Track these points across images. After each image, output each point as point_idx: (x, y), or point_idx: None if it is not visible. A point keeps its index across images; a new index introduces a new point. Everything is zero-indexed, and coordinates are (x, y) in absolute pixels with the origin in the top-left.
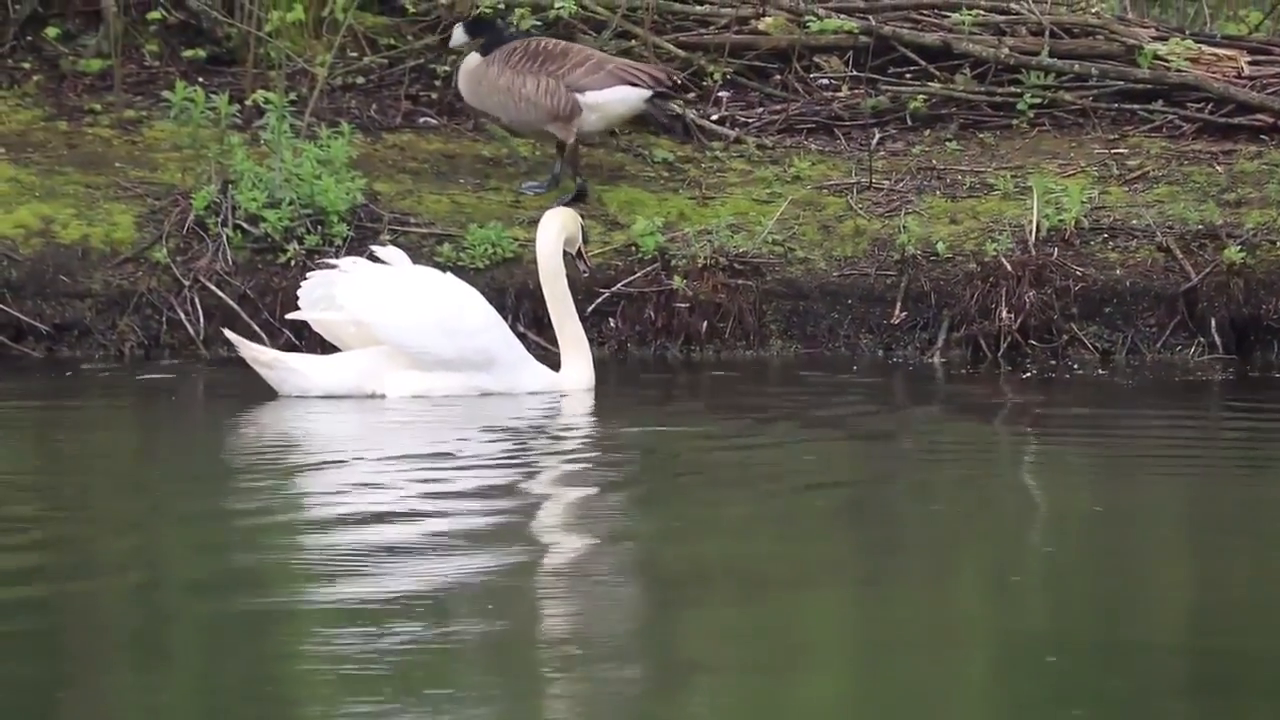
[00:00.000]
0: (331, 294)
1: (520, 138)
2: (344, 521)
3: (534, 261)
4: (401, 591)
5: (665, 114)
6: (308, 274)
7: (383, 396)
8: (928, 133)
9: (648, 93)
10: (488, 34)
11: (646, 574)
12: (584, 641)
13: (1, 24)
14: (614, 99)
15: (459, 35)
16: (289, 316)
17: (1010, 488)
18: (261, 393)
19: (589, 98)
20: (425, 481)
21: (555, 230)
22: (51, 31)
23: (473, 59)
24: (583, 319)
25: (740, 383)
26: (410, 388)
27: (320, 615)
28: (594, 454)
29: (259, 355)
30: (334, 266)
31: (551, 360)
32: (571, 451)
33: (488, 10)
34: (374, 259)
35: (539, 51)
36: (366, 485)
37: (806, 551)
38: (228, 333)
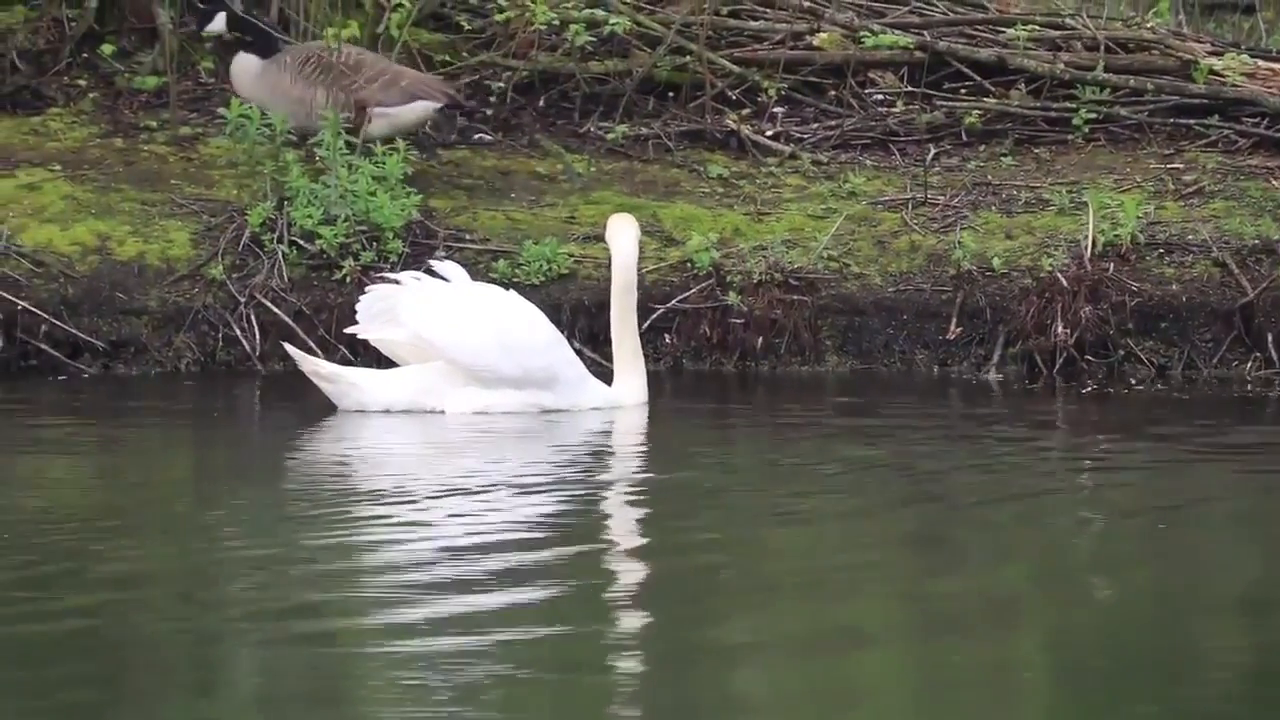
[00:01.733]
0: (391, 309)
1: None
2: (406, 542)
3: (589, 277)
4: (466, 612)
5: (454, 125)
6: (366, 289)
7: (442, 413)
8: (983, 148)
9: (439, 104)
10: (253, 34)
11: (708, 588)
12: (656, 659)
13: (57, 41)
14: (407, 112)
15: (219, 23)
16: (347, 331)
17: (1074, 501)
18: (319, 408)
19: (381, 111)
20: (486, 500)
21: (633, 239)
22: (107, 49)
23: (251, 61)
24: (639, 335)
25: (796, 398)
26: (470, 404)
27: (382, 633)
28: (652, 470)
29: (319, 369)
30: (393, 281)
31: (606, 376)
32: (631, 468)
33: (252, 15)
34: (432, 274)
35: (332, 64)
36: (428, 505)
37: (873, 567)
38: (288, 346)
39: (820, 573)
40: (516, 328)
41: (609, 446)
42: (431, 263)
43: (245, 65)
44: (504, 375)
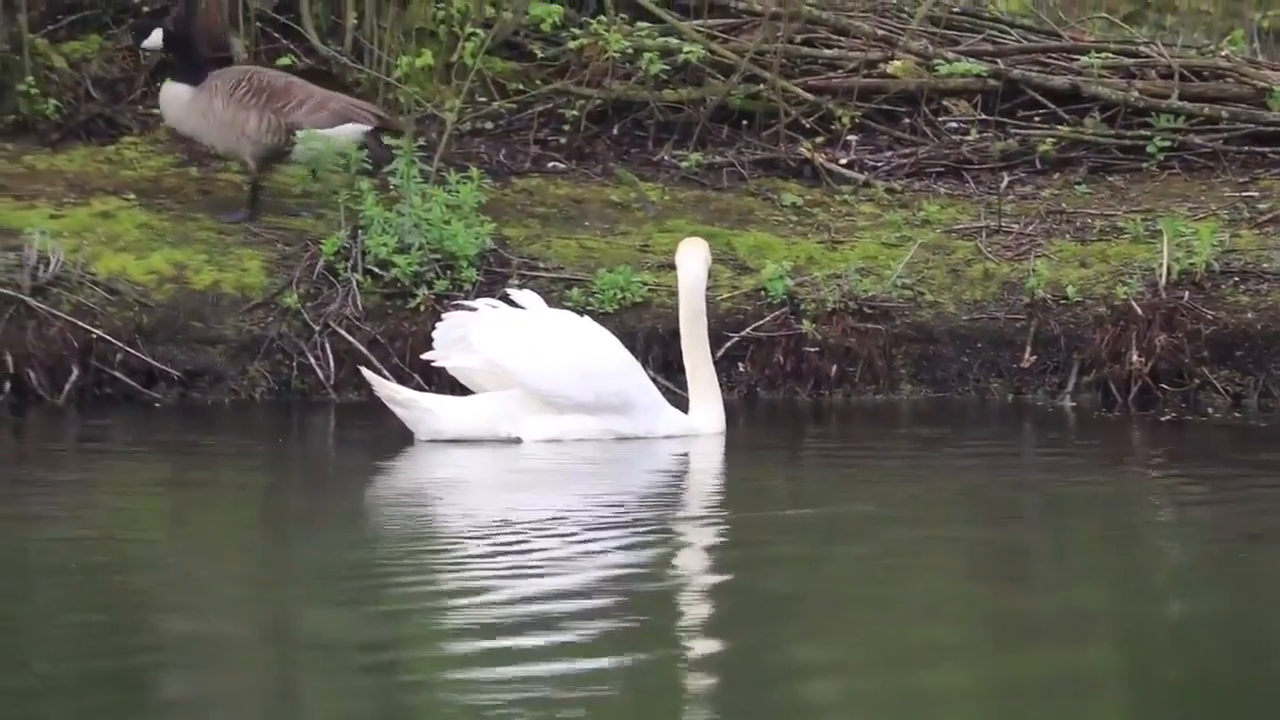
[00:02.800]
0: (466, 337)
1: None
2: (482, 573)
3: (663, 305)
4: (543, 641)
5: (383, 146)
6: (442, 316)
7: (517, 440)
8: (1057, 176)
9: (368, 127)
10: (184, 57)
11: (786, 612)
12: (734, 681)
13: (132, 70)
14: (336, 135)
15: (156, 39)
16: (423, 358)
17: (1152, 527)
18: (394, 437)
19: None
20: (562, 530)
21: (701, 263)
22: None
23: (180, 89)
24: (713, 363)
25: (870, 427)
26: (546, 431)
27: (459, 662)
28: (728, 499)
29: (395, 395)
30: (469, 308)
31: (680, 404)
32: (707, 497)
33: (183, 35)
34: (508, 301)
35: (263, 87)
36: (504, 536)
37: (949, 590)
38: (365, 371)
39: (897, 596)
40: (591, 353)
41: (685, 476)
42: (508, 290)
43: (175, 94)
44: (579, 401)
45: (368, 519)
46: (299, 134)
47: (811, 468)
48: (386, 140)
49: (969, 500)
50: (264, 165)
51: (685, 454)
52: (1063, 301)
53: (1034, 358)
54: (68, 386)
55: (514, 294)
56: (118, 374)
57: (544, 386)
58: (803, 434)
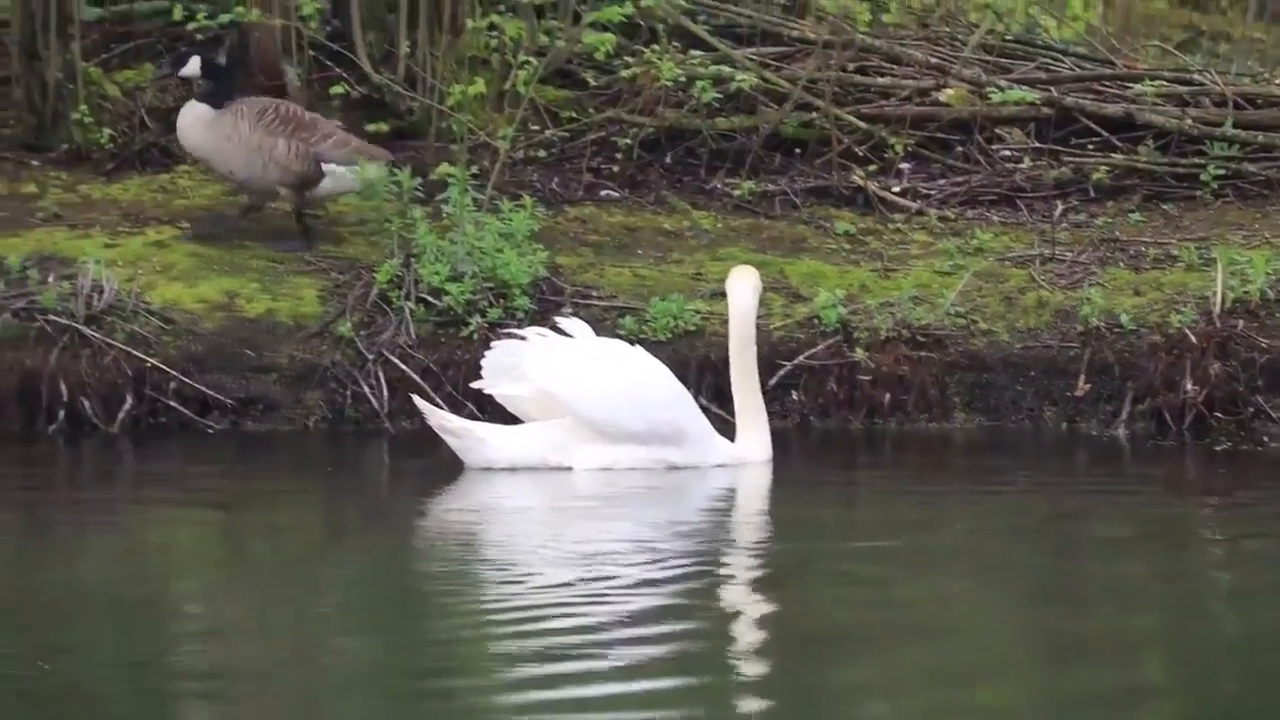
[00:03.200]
0: (516, 365)
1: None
2: (537, 604)
3: (716, 333)
4: (600, 670)
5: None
6: (492, 344)
7: (568, 469)
8: (1111, 204)
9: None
10: (220, 81)
11: (837, 637)
12: (786, 709)
13: (186, 99)
14: (354, 173)
15: (194, 66)
16: (473, 386)
17: (1206, 556)
18: (446, 466)
19: (331, 168)
20: (612, 561)
21: (751, 290)
22: None
23: (203, 109)
24: (764, 392)
25: (923, 455)
26: (596, 460)
27: (510, 689)
28: (776, 529)
29: (447, 424)
30: (519, 337)
31: (730, 432)
32: (754, 527)
33: (221, 61)
34: (558, 330)
35: (290, 117)
36: (553, 567)
37: (1001, 617)
38: (417, 400)
39: (948, 627)
40: (642, 382)
41: (734, 505)
42: (557, 319)
43: (198, 113)
44: (629, 430)
45: (420, 549)
46: (326, 167)
47: (862, 497)
48: (440, 172)
49: (1021, 530)
50: (299, 193)
51: (734, 483)
52: (1116, 330)
53: (1088, 386)
54: (121, 415)
55: (563, 322)
56: (172, 402)
57: (595, 415)
58: (855, 463)
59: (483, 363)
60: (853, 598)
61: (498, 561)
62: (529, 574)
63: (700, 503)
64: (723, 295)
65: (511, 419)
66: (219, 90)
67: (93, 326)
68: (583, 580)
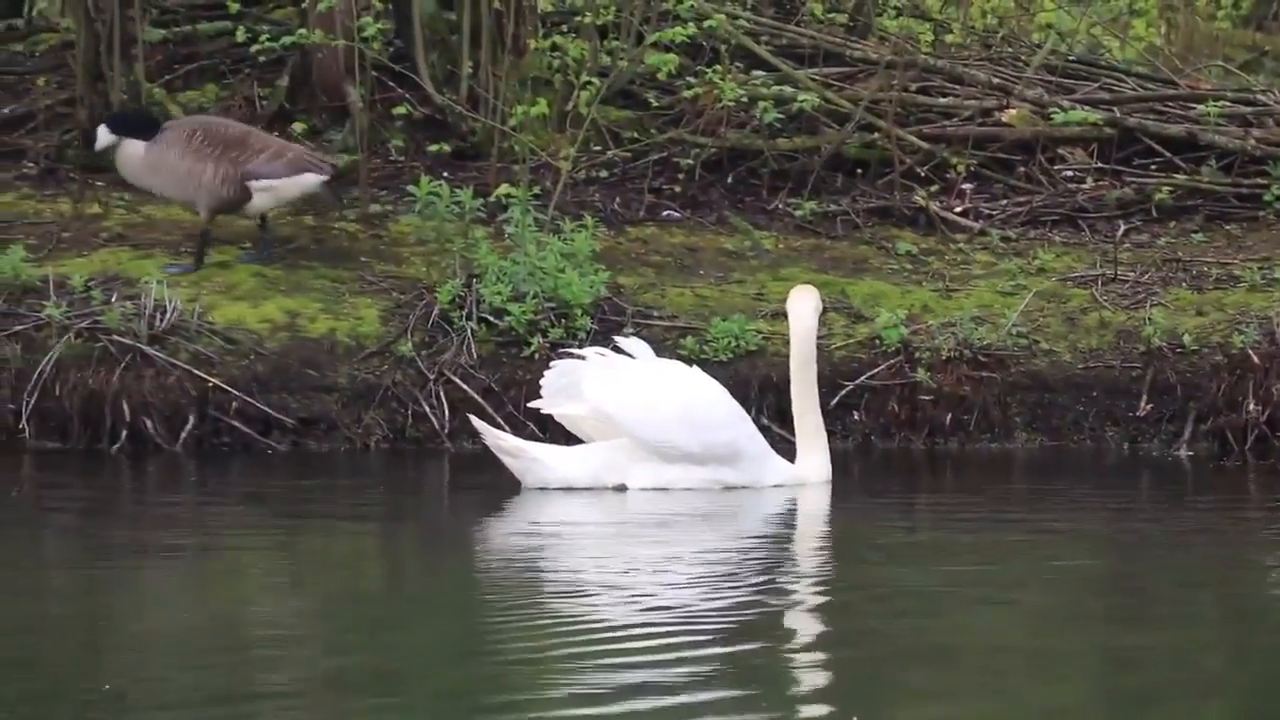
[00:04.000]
0: (574, 385)
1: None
2: (595, 625)
3: (777, 354)
4: (658, 684)
5: (338, 197)
6: (550, 364)
7: (623, 489)
8: (1173, 224)
9: (325, 177)
10: (136, 125)
11: (897, 666)
12: None
13: (249, 120)
14: (293, 185)
15: (105, 137)
16: (530, 405)
17: (1272, 579)
18: (508, 486)
19: (266, 184)
20: (669, 584)
21: (811, 310)
22: (298, 127)
23: (135, 146)
24: (826, 412)
25: (984, 476)
26: (652, 480)
27: (568, 704)
28: (834, 551)
29: (503, 443)
30: (578, 357)
31: (791, 452)
32: (812, 549)
33: (128, 108)
34: (617, 350)
35: (220, 137)
36: (610, 590)
37: (1066, 645)
38: (473, 419)
39: (1012, 651)
40: (699, 403)
41: (792, 526)
42: (618, 339)
43: (131, 151)
44: (686, 451)
45: (480, 568)
46: (258, 184)
47: (922, 518)
48: (502, 192)
49: (1081, 551)
50: (214, 216)
51: (793, 503)
52: (1179, 350)
53: (1150, 406)
54: (184, 434)
55: (622, 342)
56: (234, 422)
57: (652, 436)
58: (916, 483)
59: (541, 383)
60: (910, 622)
61: (554, 582)
62: (584, 595)
63: (757, 523)
64: (784, 315)
65: (573, 439)
66: (141, 126)
67: (156, 346)
68: (640, 599)
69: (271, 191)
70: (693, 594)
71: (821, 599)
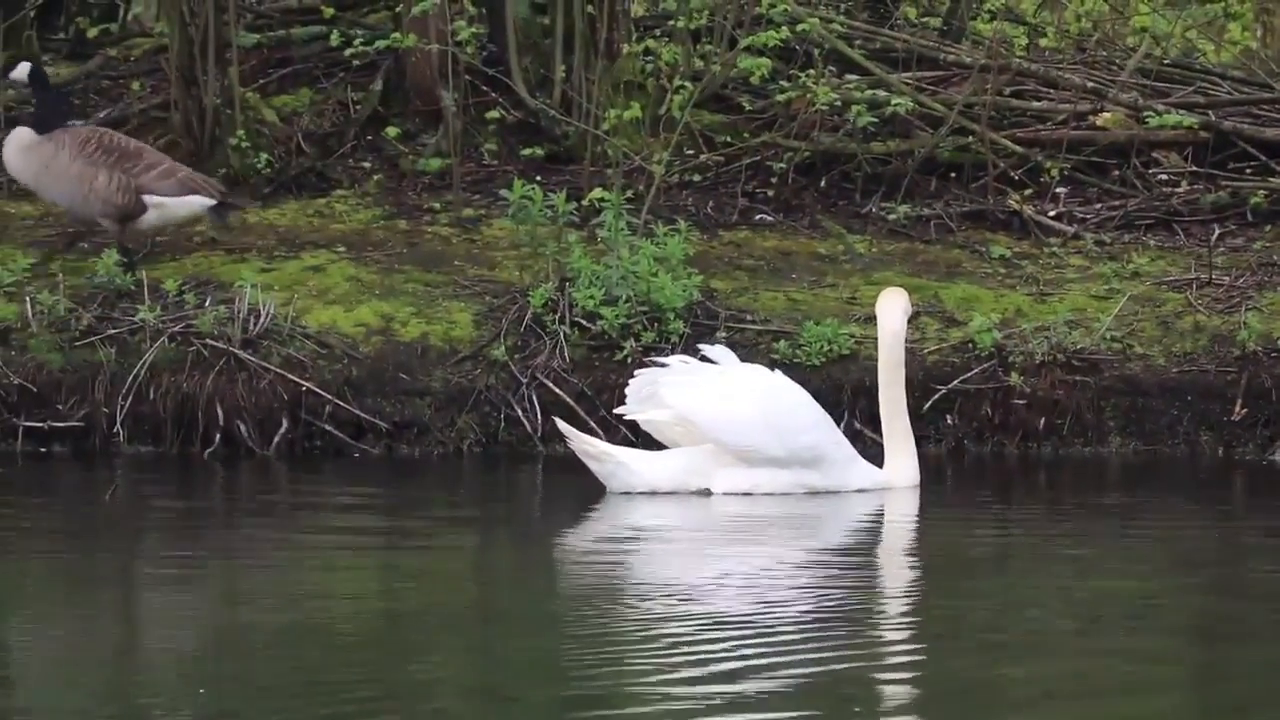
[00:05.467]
0: (656, 392)
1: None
2: (679, 632)
3: (870, 357)
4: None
5: (225, 222)
6: (634, 372)
7: (708, 493)
8: (1269, 228)
9: (212, 202)
10: (50, 106)
11: (987, 680)
12: None
13: (342, 124)
14: (181, 205)
15: (21, 71)
16: (616, 412)
17: None
18: (598, 490)
19: (157, 200)
20: (754, 590)
21: (901, 310)
22: (391, 131)
23: (26, 135)
24: (920, 416)
25: (1077, 481)
26: (737, 484)
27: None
28: (922, 558)
29: (588, 447)
30: (661, 364)
31: (879, 457)
32: (900, 556)
33: (61, 87)
34: (702, 358)
35: (114, 147)
36: (693, 598)
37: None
38: (560, 423)
39: (1103, 665)
40: (781, 407)
41: (878, 531)
42: (701, 347)
43: (19, 137)
44: (769, 455)
45: (568, 573)
46: (150, 199)
47: (1013, 525)
48: (595, 196)
49: (1173, 560)
50: (121, 226)
51: (881, 508)
52: (1274, 354)
53: (1244, 411)
54: (277, 439)
55: (706, 349)
56: (327, 426)
57: (733, 440)
58: (1008, 488)
59: (626, 390)
60: (998, 641)
61: (639, 588)
62: (669, 600)
63: (842, 529)
64: (875, 319)
65: (660, 445)
66: (48, 115)
67: (249, 350)
68: (725, 605)
69: (161, 210)
70: (779, 603)
71: (902, 604)
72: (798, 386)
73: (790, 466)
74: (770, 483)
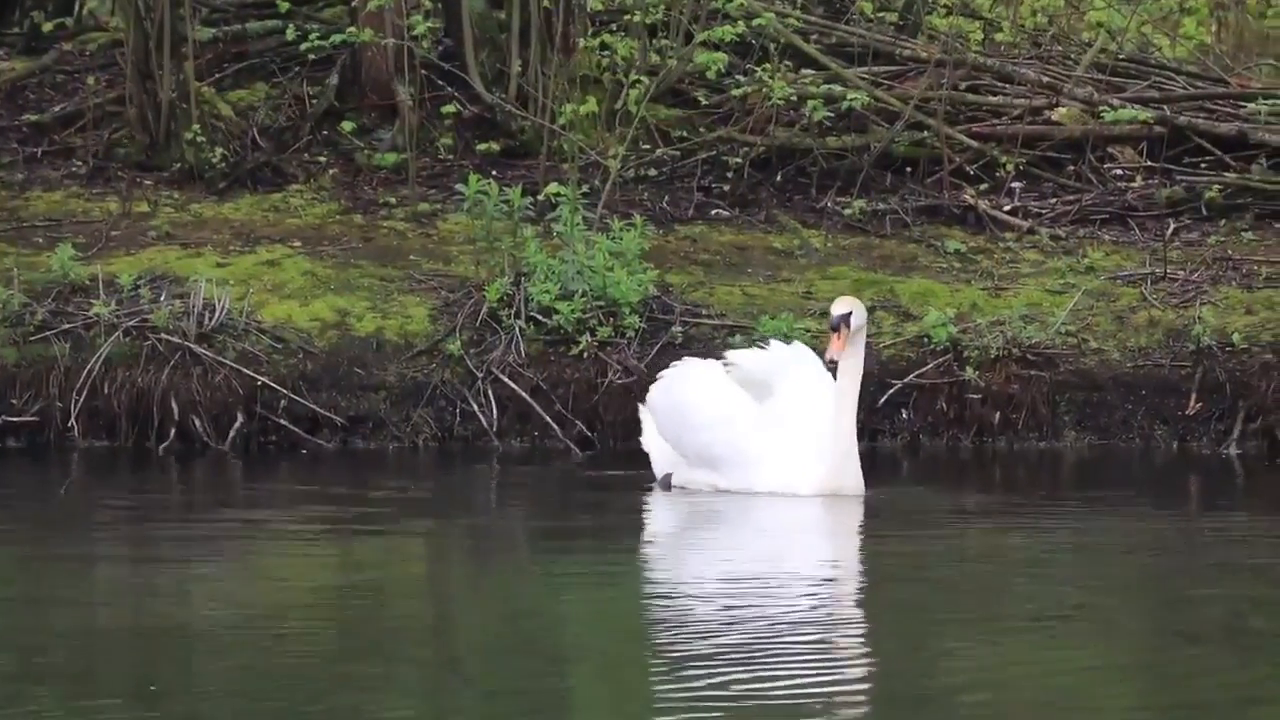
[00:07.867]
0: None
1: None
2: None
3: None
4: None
5: None
6: (604, 363)
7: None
8: (1223, 223)
9: None
10: None
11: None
12: None
13: (298, 119)
14: None
15: None
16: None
17: None
18: (555, 482)
19: None
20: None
21: (860, 319)
22: (347, 126)
23: None
24: (875, 410)
25: (1033, 476)
26: (681, 480)
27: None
28: (879, 559)
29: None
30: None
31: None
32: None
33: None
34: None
35: None
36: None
37: (1117, 653)
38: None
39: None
40: (686, 404)
41: (819, 534)
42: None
43: None
44: (681, 453)
45: (533, 568)
46: None
47: (965, 528)
48: (550, 190)
49: (1129, 555)
50: None
51: (824, 511)
52: (1228, 349)
53: (1199, 405)
54: (232, 433)
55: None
56: (282, 420)
57: (648, 438)
58: (961, 484)
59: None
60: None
61: (598, 575)
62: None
63: (768, 532)
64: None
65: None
66: None
67: (204, 345)
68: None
69: None
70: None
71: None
72: (717, 383)
73: (697, 466)
74: (689, 480)
